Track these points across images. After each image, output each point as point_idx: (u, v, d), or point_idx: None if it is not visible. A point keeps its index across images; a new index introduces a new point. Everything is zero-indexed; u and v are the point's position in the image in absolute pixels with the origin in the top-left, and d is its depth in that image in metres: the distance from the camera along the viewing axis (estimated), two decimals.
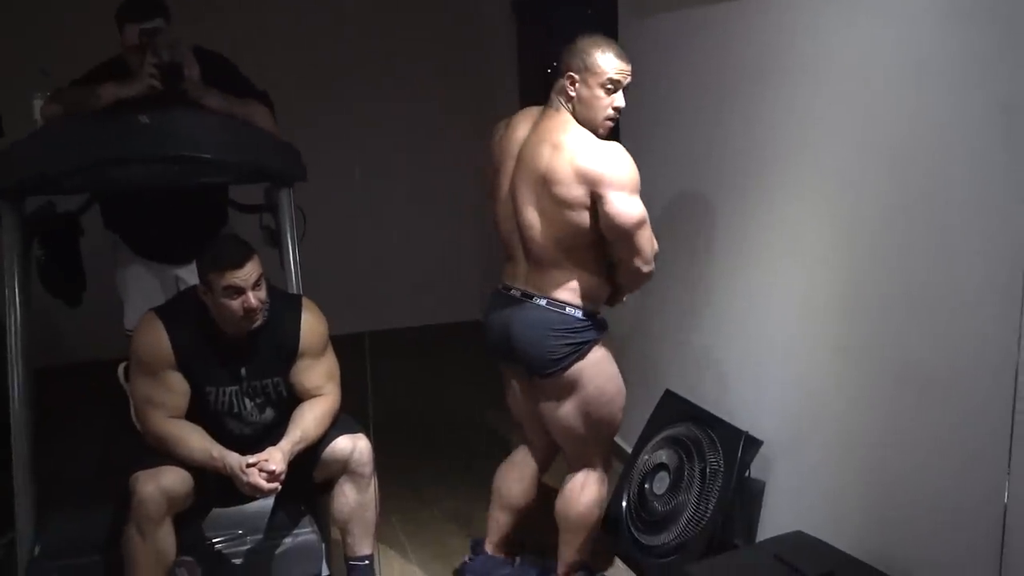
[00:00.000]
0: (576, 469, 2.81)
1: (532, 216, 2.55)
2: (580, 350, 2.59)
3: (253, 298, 2.59)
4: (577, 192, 2.45)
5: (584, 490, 2.78)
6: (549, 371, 2.60)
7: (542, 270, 2.60)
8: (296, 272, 3.04)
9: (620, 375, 2.72)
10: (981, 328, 2.10)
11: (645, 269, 2.56)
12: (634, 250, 2.51)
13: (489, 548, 2.75)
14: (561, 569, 2.86)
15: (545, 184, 2.49)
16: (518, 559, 2.91)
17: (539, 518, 2.93)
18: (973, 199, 2.10)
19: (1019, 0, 1.95)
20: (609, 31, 3.63)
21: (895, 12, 2.27)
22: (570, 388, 2.62)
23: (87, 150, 2.67)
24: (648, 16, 3.41)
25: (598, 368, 2.63)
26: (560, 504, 2.82)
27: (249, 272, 2.59)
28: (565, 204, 2.47)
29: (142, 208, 3.21)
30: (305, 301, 2.83)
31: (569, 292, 2.57)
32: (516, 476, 2.83)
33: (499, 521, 2.78)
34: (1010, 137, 1.99)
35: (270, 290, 2.70)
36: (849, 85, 2.45)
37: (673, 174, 3.35)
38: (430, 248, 5.69)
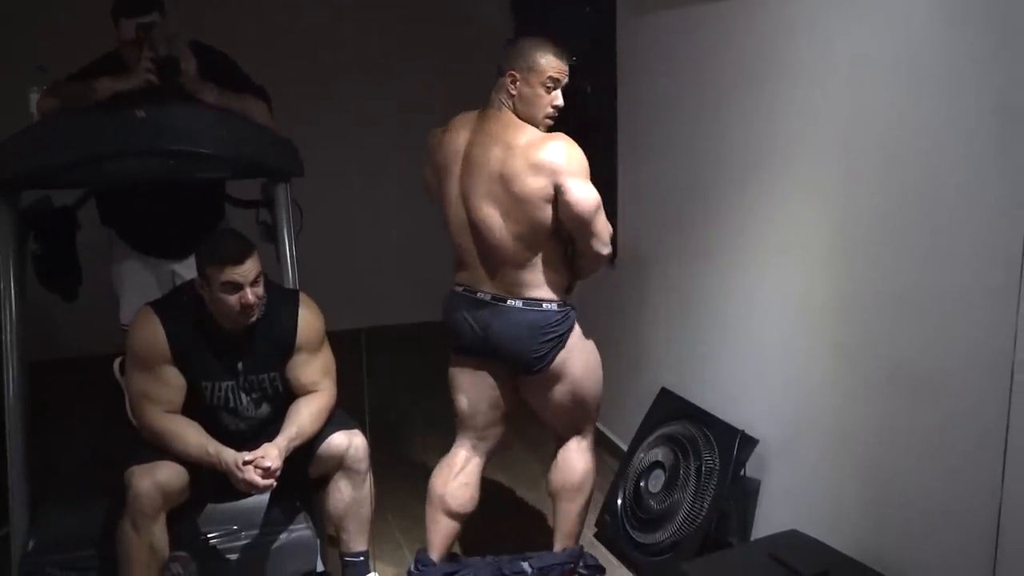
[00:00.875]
0: (567, 439, 2.87)
1: (490, 216, 2.56)
2: (562, 341, 2.66)
3: (251, 294, 2.59)
4: (537, 185, 2.50)
5: (579, 457, 2.86)
6: (536, 368, 2.65)
7: (506, 270, 2.61)
8: (292, 267, 3.03)
9: (595, 345, 2.79)
10: (977, 328, 2.09)
11: (604, 251, 2.63)
12: (592, 234, 2.58)
13: (435, 556, 2.73)
14: (560, 541, 2.88)
15: (503, 183, 2.53)
16: (464, 559, 2.88)
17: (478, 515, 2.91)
18: (968, 199, 2.10)
19: (1014, 1, 1.94)
20: (607, 29, 3.63)
21: (891, 12, 2.27)
22: (556, 376, 2.69)
23: (83, 144, 2.66)
24: (647, 13, 3.41)
25: (578, 350, 2.72)
26: (556, 475, 2.86)
27: (248, 269, 2.58)
28: (526, 200, 2.51)
29: (139, 203, 3.20)
30: (302, 296, 2.83)
31: (540, 289, 2.62)
32: (462, 481, 2.78)
33: (446, 528, 2.75)
34: (1004, 138, 1.99)
35: (267, 285, 2.69)
36: (845, 84, 2.45)
37: (671, 171, 3.34)
38: (427, 245, 5.66)
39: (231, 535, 2.80)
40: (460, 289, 2.70)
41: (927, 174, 2.21)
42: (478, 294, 2.65)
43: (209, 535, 2.79)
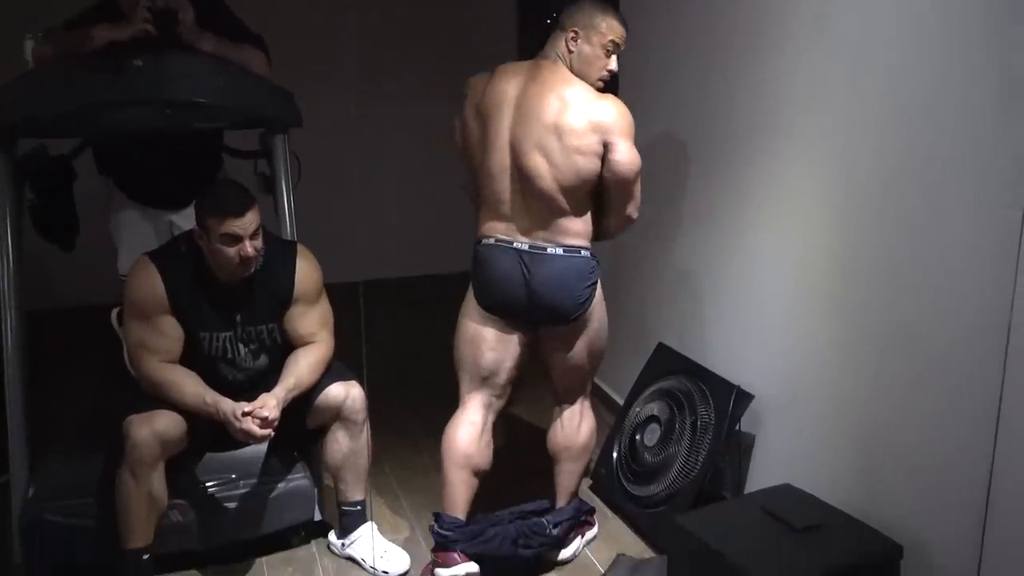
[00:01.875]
0: (572, 402, 2.88)
1: (539, 164, 2.55)
2: (593, 289, 2.70)
3: (250, 247, 2.58)
4: (590, 141, 2.53)
5: (583, 419, 2.89)
6: (575, 316, 2.67)
7: (546, 218, 2.60)
8: (291, 219, 3.02)
9: None
10: (974, 291, 2.09)
11: (635, 215, 2.70)
12: (630, 196, 2.64)
13: (462, 515, 2.74)
14: (562, 499, 2.91)
15: (557, 133, 2.53)
16: (493, 515, 2.89)
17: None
18: (967, 164, 2.09)
19: None
20: None
21: None
22: (583, 327, 2.72)
23: (78, 93, 2.63)
24: None
25: (599, 301, 2.76)
26: (560, 437, 2.88)
27: (249, 221, 2.57)
28: (578, 152, 2.53)
29: (136, 153, 3.18)
30: (300, 248, 2.82)
31: (578, 237, 2.64)
32: (486, 440, 2.77)
33: (471, 487, 2.74)
34: (1005, 102, 1.97)
35: (265, 236, 2.68)
36: (848, 49, 2.43)
37: (675, 133, 3.32)
38: (426, 199, 5.66)
39: (229, 484, 2.83)
40: (493, 241, 2.66)
41: (927, 139, 2.20)
42: (515, 244, 2.63)
43: (207, 484, 2.81)
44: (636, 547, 2.99)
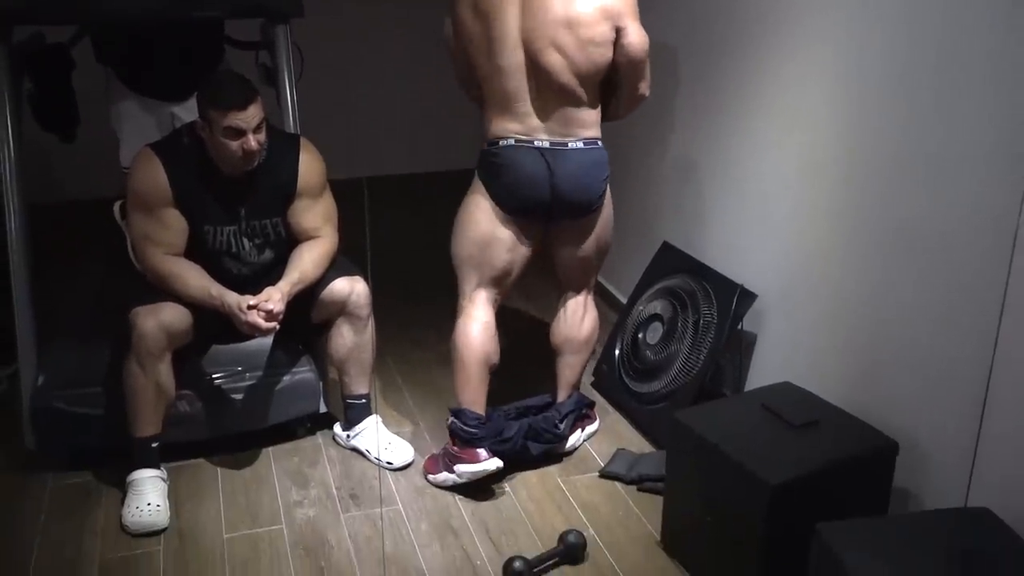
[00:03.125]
0: (576, 294, 2.91)
1: (555, 59, 2.53)
2: (607, 182, 2.72)
3: (253, 140, 2.55)
4: (603, 29, 2.54)
5: (587, 312, 2.92)
6: (595, 207, 2.71)
7: (564, 113, 2.58)
8: (293, 112, 2.98)
9: None
10: (981, 190, 2.07)
11: (648, 93, 2.71)
12: (642, 76, 2.65)
13: (482, 411, 2.77)
14: (563, 392, 2.95)
15: (569, 27, 2.51)
16: (499, 411, 2.92)
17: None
18: (978, 61, 2.04)
19: None
20: None
21: None
22: (594, 220, 2.74)
23: None
24: None
25: (608, 195, 2.77)
26: (565, 329, 2.91)
27: (252, 115, 2.53)
28: (592, 44, 2.54)
29: (135, 42, 3.12)
30: (303, 141, 2.79)
31: (594, 128, 2.65)
32: (494, 336, 2.78)
33: (486, 383, 2.77)
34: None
35: (268, 130, 2.65)
36: None
37: (680, 25, 3.24)
38: (429, 96, 5.57)
39: (235, 376, 2.86)
40: (512, 142, 2.62)
41: (937, 33, 2.15)
42: (535, 142, 2.60)
43: (214, 376, 2.84)
44: (636, 442, 3.04)
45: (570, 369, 2.95)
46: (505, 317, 3.77)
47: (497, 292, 2.78)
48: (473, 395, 2.74)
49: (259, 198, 2.71)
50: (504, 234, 2.70)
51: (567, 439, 2.91)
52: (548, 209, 2.66)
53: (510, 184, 2.63)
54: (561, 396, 2.95)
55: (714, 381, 2.99)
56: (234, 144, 2.54)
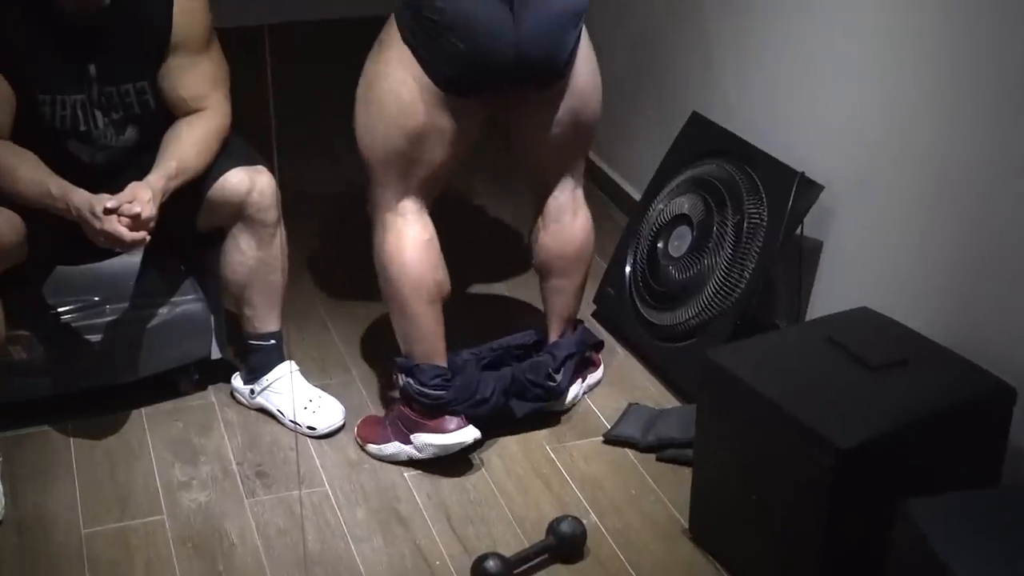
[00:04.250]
0: (558, 191, 2.89)
1: None
2: (580, 29, 2.67)
3: None
4: None
5: (577, 214, 2.92)
6: (563, 72, 2.67)
7: None
8: None
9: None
10: None
11: None
12: None
13: (443, 361, 2.76)
14: (556, 329, 2.97)
15: None
16: (467, 354, 2.93)
17: None
18: None
19: None
20: None
21: None
22: (564, 86, 2.70)
23: None
24: None
25: (586, 46, 2.73)
26: (549, 241, 2.92)
27: None
28: None
29: None
30: None
31: None
32: (439, 253, 2.76)
33: (439, 321, 2.76)
34: None
35: None
36: None
37: None
38: None
39: (91, 309, 2.86)
40: None
41: None
42: None
43: (61, 310, 2.84)
44: (654, 393, 3.08)
45: (561, 297, 2.96)
46: (458, 219, 3.73)
47: (429, 196, 2.75)
48: (430, 341, 2.75)
49: (117, 52, 2.68)
50: (444, 122, 2.63)
51: (566, 393, 2.95)
52: (510, 75, 2.61)
53: (457, 52, 2.55)
54: (554, 334, 2.97)
55: (763, 307, 3.02)
56: None
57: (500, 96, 2.69)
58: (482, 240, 3.79)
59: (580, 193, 2.94)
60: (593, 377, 3.08)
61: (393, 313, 2.78)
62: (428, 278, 2.73)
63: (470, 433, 2.72)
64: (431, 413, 2.72)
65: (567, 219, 2.91)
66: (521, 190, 3.21)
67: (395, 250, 2.73)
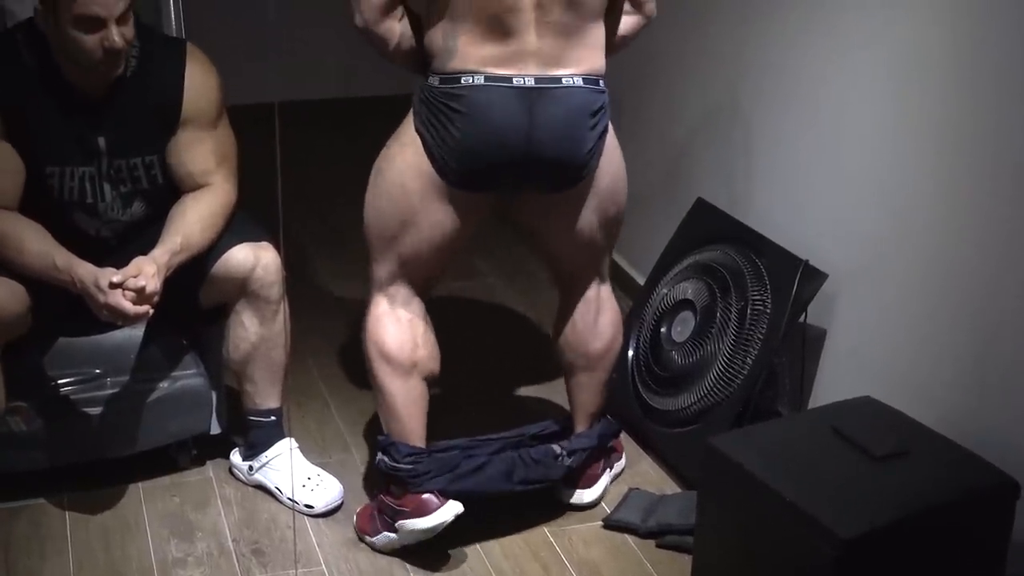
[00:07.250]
0: (583, 288, 2.88)
1: None
2: (605, 133, 2.67)
3: (117, 34, 2.54)
4: None
5: (602, 311, 2.90)
6: (584, 174, 2.65)
7: (560, 37, 2.54)
8: (176, 7, 2.97)
9: None
10: None
11: (655, 12, 2.75)
12: None
13: (419, 441, 2.75)
14: (582, 422, 2.95)
15: None
16: (467, 443, 2.91)
17: None
18: None
19: None
20: None
21: None
22: (589, 185, 2.69)
23: None
24: None
25: (613, 147, 2.73)
26: (574, 337, 2.90)
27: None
28: None
29: None
30: (190, 47, 2.79)
31: (599, 59, 2.62)
32: (424, 334, 2.75)
33: (420, 399, 2.74)
34: None
35: (140, 30, 2.64)
36: None
37: None
38: None
39: (91, 382, 2.86)
40: (481, 78, 2.53)
41: None
42: (515, 80, 2.53)
43: (61, 382, 2.84)
44: (654, 478, 3.06)
45: (587, 392, 2.94)
46: (477, 306, 3.75)
47: (424, 285, 2.77)
48: (403, 420, 2.74)
49: (127, 125, 2.70)
50: (440, 214, 2.64)
51: (575, 479, 2.90)
52: (517, 176, 2.62)
53: (465, 147, 2.56)
54: (580, 427, 2.96)
55: (766, 394, 3.01)
56: (91, 40, 2.53)
57: (513, 196, 2.70)
58: (502, 333, 3.80)
59: (607, 289, 2.92)
60: (619, 466, 3.06)
61: (374, 392, 2.79)
62: (404, 354, 2.73)
63: (451, 509, 2.66)
64: (407, 491, 2.68)
65: (591, 317, 2.88)
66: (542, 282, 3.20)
67: (373, 327, 2.75)
